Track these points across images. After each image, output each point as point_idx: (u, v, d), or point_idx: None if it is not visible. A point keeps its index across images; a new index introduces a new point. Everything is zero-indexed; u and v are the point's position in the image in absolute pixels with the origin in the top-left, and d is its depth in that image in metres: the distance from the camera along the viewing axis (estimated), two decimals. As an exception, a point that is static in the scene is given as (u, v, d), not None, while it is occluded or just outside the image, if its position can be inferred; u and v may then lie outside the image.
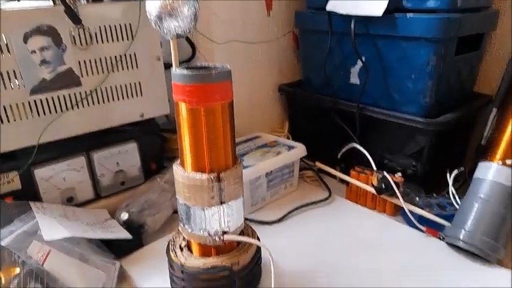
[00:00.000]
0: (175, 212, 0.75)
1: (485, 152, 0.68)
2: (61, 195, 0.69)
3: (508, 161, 0.63)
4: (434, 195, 0.78)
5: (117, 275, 0.62)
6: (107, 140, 0.72)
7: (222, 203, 0.50)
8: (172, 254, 0.54)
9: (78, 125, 0.68)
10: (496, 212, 0.62)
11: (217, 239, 0.51)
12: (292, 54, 1.05)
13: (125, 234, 0.64)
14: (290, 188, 0.86)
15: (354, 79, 0.85)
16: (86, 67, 0.66)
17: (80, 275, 0.57)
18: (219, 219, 0.51)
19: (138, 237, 0.68)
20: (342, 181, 0.90)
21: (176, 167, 0.51)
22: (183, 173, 0.49)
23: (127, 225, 0.67)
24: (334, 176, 0.91)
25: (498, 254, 0.61)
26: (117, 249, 0.65)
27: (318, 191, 0.86)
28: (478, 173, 0.67)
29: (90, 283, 0.58)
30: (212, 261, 0.52)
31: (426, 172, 0.79)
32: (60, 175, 0.68)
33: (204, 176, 0.48)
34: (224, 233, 0.51)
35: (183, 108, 0.47)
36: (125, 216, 0.68)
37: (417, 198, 0.76)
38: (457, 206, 0.71)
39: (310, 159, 0.93)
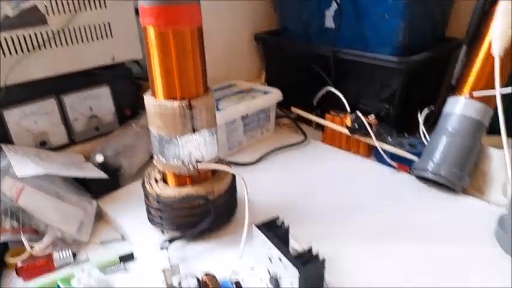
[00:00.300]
0: (152, 157, 0.75)
1: (455, 89, 0.70)
2: (34, 139, 0.68)
3: (475, 93, 0.65)
4: (406, 135, 0.80)
5: (95, 213, 0.62)
6: (78, 84, 0.71)
7: (194, 131, 0.50)
8: (147, 186, 0.55)
9: (47, 66, 0.66)
10: (463, 144, 0.64)
11: (191, 167, 0.52)
12: (269, 4, 1.04)
13: (101, 174, 0.64)
14: (266, 133, 0.86)
15: (329, 23, 0.84)
16: (51, 4, 0.64)
17: (56, 211, 0.57)
18: (193, 148, 0.51)
19: (114, 178, 0.68)
20: (318, 127, 0.91)
21: (147, 97, 0.51)
22: (154, 101, 0.49)
23: (102, 167, 0.67)
24: (310, 123, 0.92)
25: (463, 182, 0.64)
26: (93, 190, 0.65)
27: (294, 136, 0.87)
28: (446, 108, 0.69)
29: (68, 220, 0.58)
30: (187, 190, 0.53)
31: (399, 114, 0.81)
32: (31, 118, 0.66)
33: (176, 104, 0.48)
34: (198, 162, 0.52)
35: (151, 33, 0.46)
36: (100, 158, 0.67)
37: (389, 138, 0.78)
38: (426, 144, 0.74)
39: (287, 107, 0.94)
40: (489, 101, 0.65)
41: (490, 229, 0.56)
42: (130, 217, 0.60)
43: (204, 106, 0.50)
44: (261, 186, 0.66)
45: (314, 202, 0.64)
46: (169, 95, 0.49)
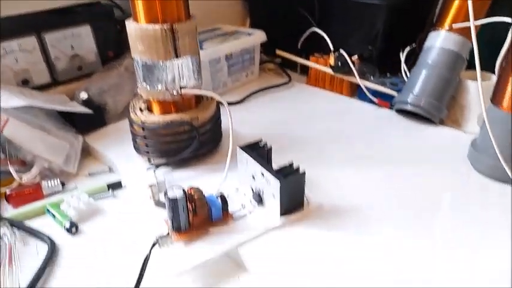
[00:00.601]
0: (137, 97, 0.75)
1: (436, 23, 0.70)
2: (15, 77, 0.67)
3: (454, 25, 0.66)
4: (388, 75, 0.81)
5: (81, 148, 0.63)
6: (58, 21, 0.69)
7: (177, 56, 0.50)
8: (132, 115, 0.56)
9: (25, 2, 0.65)
10: (441, 75, 0.66)
11: (175, 93, 0.52)
12: None
13: (85, 109, 0.65)
14: (251, 76, 0.87)
15: (313, -39, 0.83)
16: None
17: (42, 143, 0.58)
18: (176, 74, 0.51)
19: (100, 116, 0.68)
20: (302, 72, 0.92)
21: (129, 22, 0.50)
22: (135, 25, 0.49)
23: (87, 104, 0.67)
24: (294, 69, 0.93)
25: (441, 113, 0.66)
26: (79, 126, 0.65)
27: (279, 80, 0.88)
28: (427, 43, 0.70)
29: (54, 152, 0.58)
30: (172, 117, 0.54)
31: (381, 54, 0.82)
32: (12, 55, 0.66)
33: (157, 26, 0.48)
34: (182, 88, 0.53)
35: (130, -49, 0.45)
36: (84, 95, 0.67)
37: (372, 77, 0.79)
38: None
39: (272, 53, 0.94)
40: (468, 34, 0.66)
41: (465, 154, 0.58)
42: (117, 150, 0.61)
43: (187, 31, 0.50)
44: (245, 122, 0.67)
45: (297, 134, 0.66)
46: (151, 19, 0.49)
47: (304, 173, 0.44)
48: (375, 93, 0.76)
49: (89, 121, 0.66)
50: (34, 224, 0.49)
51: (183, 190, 0.41)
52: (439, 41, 0.67)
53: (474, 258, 0.41)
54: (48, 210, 0.50)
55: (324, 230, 0.44)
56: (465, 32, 0.66)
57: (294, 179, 0.44)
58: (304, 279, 0.39)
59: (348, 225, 0.45)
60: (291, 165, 0.46)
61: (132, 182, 0.56)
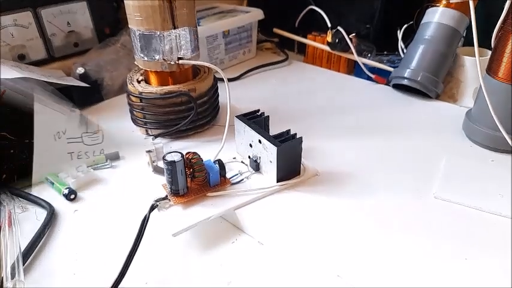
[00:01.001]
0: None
1: (433, 0, 0.70)
2: (11, 52, 0.67)
3: (452, 0, 0.66)
4: (386, 52, 0.81)
5: (79, 120, 0.63)
6: (54, -4, 0.69)
7: (175, 26, 0.50)
8: (130, 86, 0.56)
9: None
10: (438, 50, 0.66)
11: (172, 63, 0.52)
12: None
13: (82, 83, 0.65)
14: (248, 54, 0.87)
15: None
16: None
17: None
18: (174, 44, 0.51)
19: (97, 91, 0.68)
20: (300, 51, 0.92)
21: (126, -9, 0.50)
22: (132, -7, 0.49)
23: (84, 79, 0.67)
24: (292, 48, 0.93)
25: (438, 88, 0.66)
26: (77, 101, 0.65)
27: (276, 58, 0.88)
28: (424, 18, 0.70)
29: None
30: (169, 87, 0.54)
31: (379, 33, 0.82)
32: (8, 30, 0.65)
33: (154, -5, 0.48)
34: (179, 58, 0.53)
35: None
36: (81, 70, 0.67)
37: (369, 55, 0.79)
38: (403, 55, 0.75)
39: (270, 33, 0.94)
40: (466, 10, 0.66)
41: (460, 126, 0.59)
42: (114, 123, 0.61)
43: (184, 1, 0.50)
44: (242, 98, 0.68)
45: (294, 108, 0.66)
46: (148, -11, 0.48)
47: (301, 139, 0.45)
48: (372, 70, 0.76)
49: (86, 96, 0.66)
50: (33, 192, 0.49)
51: (181, 154, 0.42)
52: (437, 17, 0.67)
53: (470, 219, 0.41)
54: (46, 179, 0.50)
55: (320, 195, 0.45)
56: (463, 8, 0.66)
57: (291, 144, 0.44)
58: (300, 241, 0.39)
59: (344, 190, 0.46)
60: (288, 131, 0.46)
61: (130, 153, 0.56)
